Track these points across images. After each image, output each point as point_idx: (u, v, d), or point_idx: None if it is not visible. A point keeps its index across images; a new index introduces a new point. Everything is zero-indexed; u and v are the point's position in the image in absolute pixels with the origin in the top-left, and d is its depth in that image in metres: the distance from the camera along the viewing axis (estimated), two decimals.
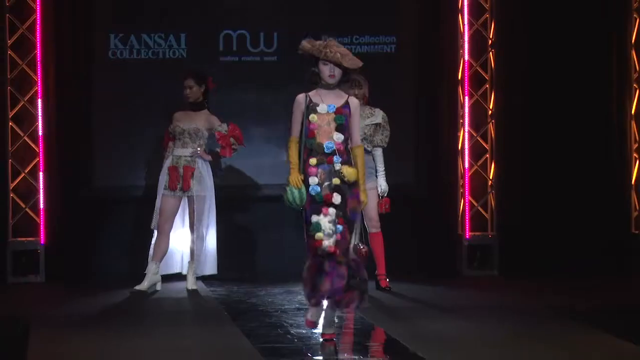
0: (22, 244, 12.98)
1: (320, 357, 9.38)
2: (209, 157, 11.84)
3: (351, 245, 9.09)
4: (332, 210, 8.53)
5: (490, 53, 13.61)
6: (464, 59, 13.59)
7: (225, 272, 12.30)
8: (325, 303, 8.89)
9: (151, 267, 11.74)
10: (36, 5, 12.85)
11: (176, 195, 11.74)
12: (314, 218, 8.56)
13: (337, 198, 8.54)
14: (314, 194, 8.53)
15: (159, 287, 11.81)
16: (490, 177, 13.55)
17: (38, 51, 12.90)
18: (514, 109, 13.68)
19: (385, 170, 12.02)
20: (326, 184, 8.52)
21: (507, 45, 13.66)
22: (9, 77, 12.90)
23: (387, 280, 12.17)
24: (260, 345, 9.47)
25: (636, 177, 13.72)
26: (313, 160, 8.56)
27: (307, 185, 8.59)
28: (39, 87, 12.87)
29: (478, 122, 13.61)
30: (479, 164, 13.70)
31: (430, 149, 13.89)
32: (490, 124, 13.53)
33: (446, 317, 11.04)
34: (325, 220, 8.54)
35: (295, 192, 8.41)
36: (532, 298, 11.91)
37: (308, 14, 13.99)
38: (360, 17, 13.89)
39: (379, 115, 12.06)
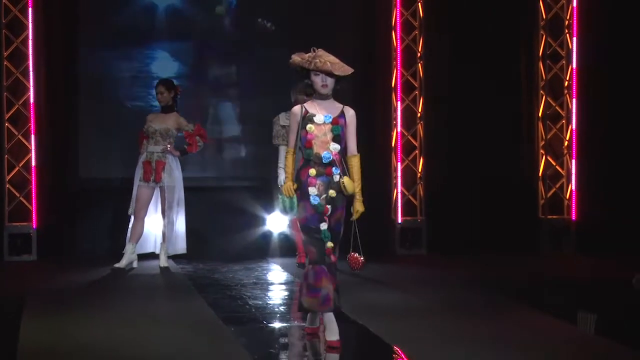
0: (17, 228, 13.03)
1: (277, 324, 9.50)
2: (178, 153, 11.90)
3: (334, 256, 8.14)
4: (330, 220, 7.95)
5: (419, 64, 13.70)
6: (396, 69, 13.69)
7: (192, 252, 12.34)
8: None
9: (128, 248, 11.84)
10: (28, 22, 12.89)
11: (150, 186, 11.83)
12: (323, 226, 7.88)
13: (329, 210, 7.93)
14: (315, 203, 7.86)
15: (135, 264, 11.90)
16: (419, 171, 13.64)
17: (30, 62, 12.95)
18: (439, 112, 13.76)
19: None
20: (323, 196, 7.86)
21: (433, 58, 13.72)
22: (5, 84, 12.95)
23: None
24: (222, 315, 9.60)
25: (543, 170, 13.89)
26: (313, 171, 7.86)
27: (307, 193, 7.88)
28: (31, 93, 12.94)
29: (409, 124, 13.69)
30: (409, 159, 13.78)
31: (367, 147, 13.92)
32: (419, 125, 13.61)
33: (382, 289, 11.15)
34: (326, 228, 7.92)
35: (287, 201, 8.33)
36: (456, 272, 12.03)
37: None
38: (305, 32, 13.91)
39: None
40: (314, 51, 7.86)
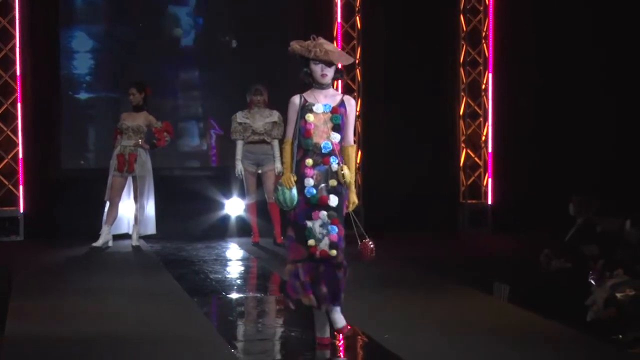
0: (6, 212, 13.03)
1: (234, 295, 9.55)
2: (148, 147, 11.88)
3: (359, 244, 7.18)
4: (323, 214, 6.82)
5: (357, 70, 13.71)
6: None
7: (161, 233, 12.36)
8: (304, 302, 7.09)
9: (104, 229, 11.85)
10: (16, 32, 12.85)
11: (123, 175, 11.82)
12: (308, 223, 6.82)
13: (333, 200, 6.82)
14: (309, 196, 6.81)
15: (110, 244, 11.91)
16: (358, 162, 13.62)
17: (17, 67, 12.91)
18: (376, 111, 13.72)
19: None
20: (322, 185, 6.81)
21: (370, 63, 13.73)
22: None
23: (282, 237, 12.07)
24: (187, 287, 9.67)
25: (463, 161, 13.99)
26: (309, 161, 6.82)
27: (301, 186, 6.84)
28: (18, 94, 12.92)
29: None
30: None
31: None
32: (358, 122, 13.54)
33: None
34: (316, 225, 6.81)
35: (287, 192, 6.67)
36: (392, 251, 12.07)
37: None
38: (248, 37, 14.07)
39: (275, 115, 11.94)
40: (314, 39, 6.90)
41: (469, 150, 13.94)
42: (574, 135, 13.23)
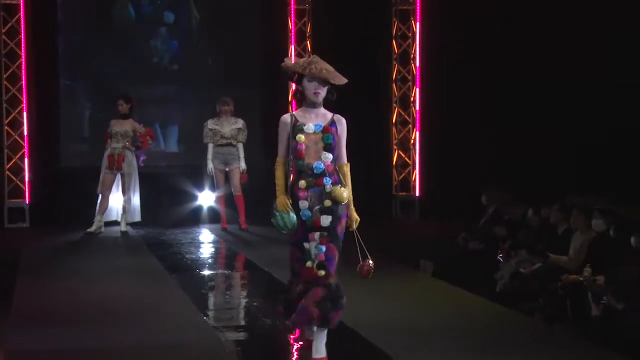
0: (14, 203, 12.96)
1: (206, 272, 9.54)
2: (133, 149, 11.82)
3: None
4: (316, 235, 5.79)
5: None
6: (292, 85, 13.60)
7: (145, 220, 12.28)
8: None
9: (97, 217, 11.81)
10: (22, 52, 12.77)
11: (113, 172, 11.76)
12: (306, 245, 5.81)
13: (325, 220, 5.77)
14: (304, 218, 5.76)
15: (102, 230, 11.84)
16: None
17: (23, 82, 12.83)
18: None
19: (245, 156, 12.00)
20: (316, 208, 5.74)
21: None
22: (4, 98, 12.83)
23: (246, 224, 12.17)
24: (166, 265, 9.69)
25: (395, 160, 14.00)
26: (302, 183, 5.75)
27: (297, 208, 5.78)
28: (24, 105, 12.84)
29: None
30: None
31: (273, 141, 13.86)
32: None
33: (286, 247, 11.24)
34: (312, 247, 5.81)
35: (286, 217, 5.64)
36: None
37: None
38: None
39: (240, 123, 11.96)
40: (310, 56, 5.94)
41: (400, 152, 13.96)
42: (486, 138, 13.25)
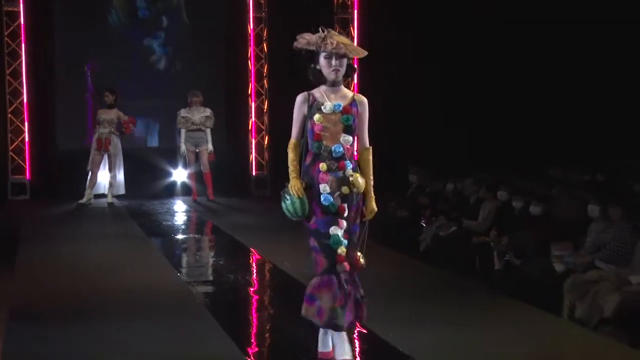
0: (17, 179, 12.73)
1: (180, 236, 9.54)
2: (118, 133, 11.74)
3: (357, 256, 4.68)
4: (343, 223, 4.57)
5: (265, 81, 13.46)
6: (251, 85, 13.37)
7: (129, 193, 12.18)
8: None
9: (87, 191, 11.72)
10: (22, 52, 12.57)
11: (101, 153, 11.68)
12: (333, 230, 4.52)
13: (346, 210, 4.58)
14: (327, 203, 4.52)
15: (92, 201, 11.75)
16: (265, 144, 13.45)
17: (23, 77, 12.62)
18: (276, 110, 13.18)
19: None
20: (337, 193, 4.54)
21: (274, 78, 13.34)
22: (7, 90, 12.61)
23: (213, 196, 12.11)
24: (146, 231, 9.70)
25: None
26: (323, 166, 4.54)
27: (316, 192, 4.55)
28: (24, 96, 12.63)
29: (259, 115, 13.44)
30: (260, 136, 13.50)
31: (241, 131, 13.76)
32: (265, 116, 13.36)
33: (243, 214, 11.23)
34: (340, 233, 4.54)
35: (297, 202, 4.48)
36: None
37: None
38: None
39: (208, 111, 11.91)
40: (324, 31, 4.56)
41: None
42: (414, 122, 13.15)
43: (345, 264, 4.51)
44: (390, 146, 13.22)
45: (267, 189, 13.41)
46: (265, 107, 13.56)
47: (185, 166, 12.35)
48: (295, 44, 4.63)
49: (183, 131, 11.90)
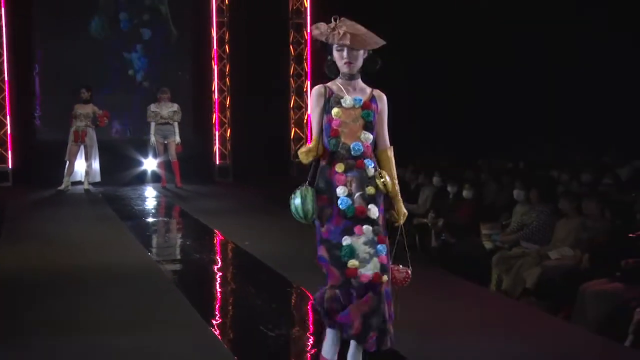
0: (0, 168, 12.52)
1: (150, 219, 9.46)
2: (93, 126, 11.56)
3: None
4: (367, 228, 3.63)
5: (227, 79, 13.40)
6: (214, 82, 13.31)
7: (104, 181, 11.99)
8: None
9: (65, 179, 11.56)
10: (3, 50, 12.34)
11: (77, 144, 11.51)
12: (346, 240, 3.62)
13: (373, 211, 3.66)
14: (343, 207, 3.64)
15: (69, 188, 11.58)
16: (228, 136, 13.41)
17: (5, 75, 12.40)
18: (238, 105, 13.35)
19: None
20: (358, 194, 3.65)
21: (235, 75, 13.36)
22: None
23: (181, 183, 11.98)
24: (119, 214, 9.58)
25: (292, 135, 13.86)
26: (340, 166, 3.70)
27: (332, 196, 3.67)
28: (6, 93, 12.42)
29: (222, 110, 13.39)
30: (222, 129, 13.45)
31: (205, 123, 13.71)
32: (227, 111, 13.32)
33: (208, 199, 11.13)
34: (360, 242, 3.61)
35: (310, 202, 3.64)
36: (246, 190, 12.08)
37: None
38: None
39: (175, 106, 11.78)
40: (335, 20, 3.72)
41: (296, 129, 13.90)
42: None
43: (362, 277, 3.60)
44: None
45: (229, 176, 13.45)
46: (228, 103, 13.53)
47: (155, 156, 12.26)
48: (313, 34, 3.82)
49: (153, 124, 11.81)
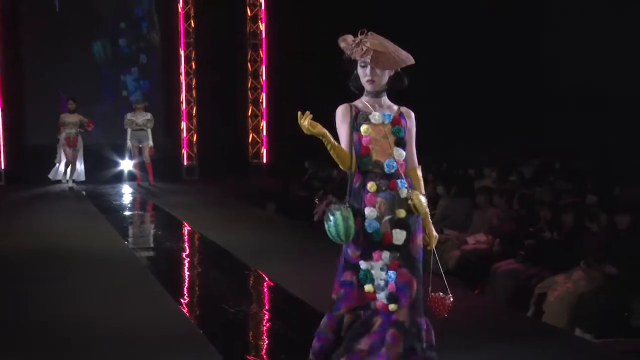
0: None
1: (127, 213, 9.29)
2: (82, 130, 11.21)
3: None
4: (385, 255, 2.98)
5: (193, 81, 13.14)
6: (182, 92, 13.15)
7: (87, 180, 11.65)
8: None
9: (64, 176, 11.37)
10: None
11: (71, 149, 11.16)
12: (364, 264, 3.01)
13: (399, 236, 2.98)
14: (370, 230, 2.98)
15: (72, 184, 11.28)
16: (195, 140, 13.19)
17: None
18: (204, 109, 13.15)
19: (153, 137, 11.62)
20: (387, 218, 2.98)
21: (202, 76, 13.04)
22: None
23: (154, 181, 11.76)
24: (99, 208, 9.43)
25: (250, 140, 13.64)
26: (372, 186, 2.99)
27: (361, 217, 2.98)
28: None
29: (189, 117, 13.26)
30: (189, 134, 13.23)
31: (174, 126, 13.55)
32: (194, 119, 13.12)
33: (179, 195, 10.99)
34: (377, 268, 3.00)
35: (341, 224, 2.92)
36: (211, 187, 12.01)
37: None
38: None
39: (149, 115, 11.58)
40: (361, 34, 3.00)
41: (253, 134, 13.61)
42: (316, 118, 12.85)
43: (378, 302, 2.99)
44: (291, 141, 13.24)
45: (195, 175, 13.36)
46: (194, 112, 13.39)
47: (131, 158, 12.09)
48: (339, 45, 3.06)
49: (129, 130, 11.67)
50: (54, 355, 3.92)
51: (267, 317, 4.66)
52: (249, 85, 13.71)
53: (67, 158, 11.29)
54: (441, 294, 3.09)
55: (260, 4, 13.34)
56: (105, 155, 12.62)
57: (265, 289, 5.43)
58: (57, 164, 11.35)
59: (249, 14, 13.41)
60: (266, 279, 5.56)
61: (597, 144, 9.91)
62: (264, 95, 13.73)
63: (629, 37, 10.05)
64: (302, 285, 5.31)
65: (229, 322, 4.51)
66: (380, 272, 3.00)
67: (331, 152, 3.01)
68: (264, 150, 13.79)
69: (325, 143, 2.98)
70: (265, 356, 3.93)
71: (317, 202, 9.30)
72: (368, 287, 3.02)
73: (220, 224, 8.15)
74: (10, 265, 6.03)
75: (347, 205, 2.99)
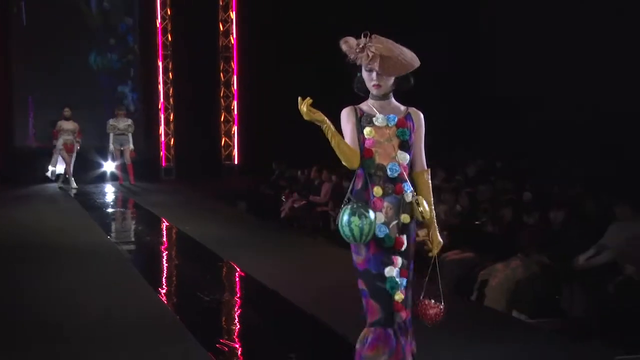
0: None
1: (111, 210, 9.17)
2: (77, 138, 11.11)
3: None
4: (399, 261, 2.66)
5: (170, 87, 13.07)
6: (160, 97, 13.00)
7: (76, 181, 11.48)
8: None
9: (66, 177, 11.16)
10: None
11: (68, 153, 10.99)
12: (389, 271, 2.61)
13: (405, 241, 2.67)
14: (382, 235, 2.60)
15: (71, 184, 11.06)
16: (172, 144, 13.04)
17: None
18: (180, 112, 13.01)
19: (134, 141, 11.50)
20: (394, 222, 2.64)
21: (178, 82, 12.90)
22: None
23: (134, 181, 11.62)
24: (84, 205, 9.33)
25: (223, 144, 13.52)
26: (378, 190, 2.63)
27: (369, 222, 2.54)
28: None
29: (166, 122, 13.14)
30: (167, 138, 13.03)
31: (151, 132, 13.40)
32: (172, 124, 13.02)
33: (160, 195, 10.85)
34: (395, 273, 2.64)
35: (367, 225, 2.52)
36: (190, 188, 11.85)
37: None
38: None
39: (130, 121, 11.47)
40: (366, 37, 2.59)
41: (226, 139, 13.47)
42: (276, 128, 12.86)
43: (402, 312, 2.67)
44: (261, 144, 13.22)
45: (173, 175, 13.26)
46: (171, 118, 13.29)
47: (113, 160, 11.95)
48: (341, 47, 2.69)
49: (111, 135, 11.54)
50: (44, 346, 3.84)
51: (238, 304, 4.67)
52: (222, 94, 13.62)
53: (65, 163, 11.09)
54: (433, 301, 2.75)
55: (232, 20, 13.34)
56: (89, 157, 12.38)
57: (237, 279, 5.44)
58: (52, 168, 11.13)
59: (221, 29, 13.37)
60: (238, 269, 5.57)
61: (535, 147, 9.87)
62: (235, 102, 13.69)
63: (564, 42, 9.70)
64: (270, 275, 5.32)
65: (204, 309, 4.50)
66: (398, 279, 2.67)
67: (333, 144, 2.63)
68: (235, 153, 13.73)
69: (325, 131, 2.61)
70: (237, 339, 3.94)
71: (283, 200, 9.32)
72: (398, 296, 2.65)
73: (195, 220, 8.10)
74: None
75: (360, 204, 2.61)
